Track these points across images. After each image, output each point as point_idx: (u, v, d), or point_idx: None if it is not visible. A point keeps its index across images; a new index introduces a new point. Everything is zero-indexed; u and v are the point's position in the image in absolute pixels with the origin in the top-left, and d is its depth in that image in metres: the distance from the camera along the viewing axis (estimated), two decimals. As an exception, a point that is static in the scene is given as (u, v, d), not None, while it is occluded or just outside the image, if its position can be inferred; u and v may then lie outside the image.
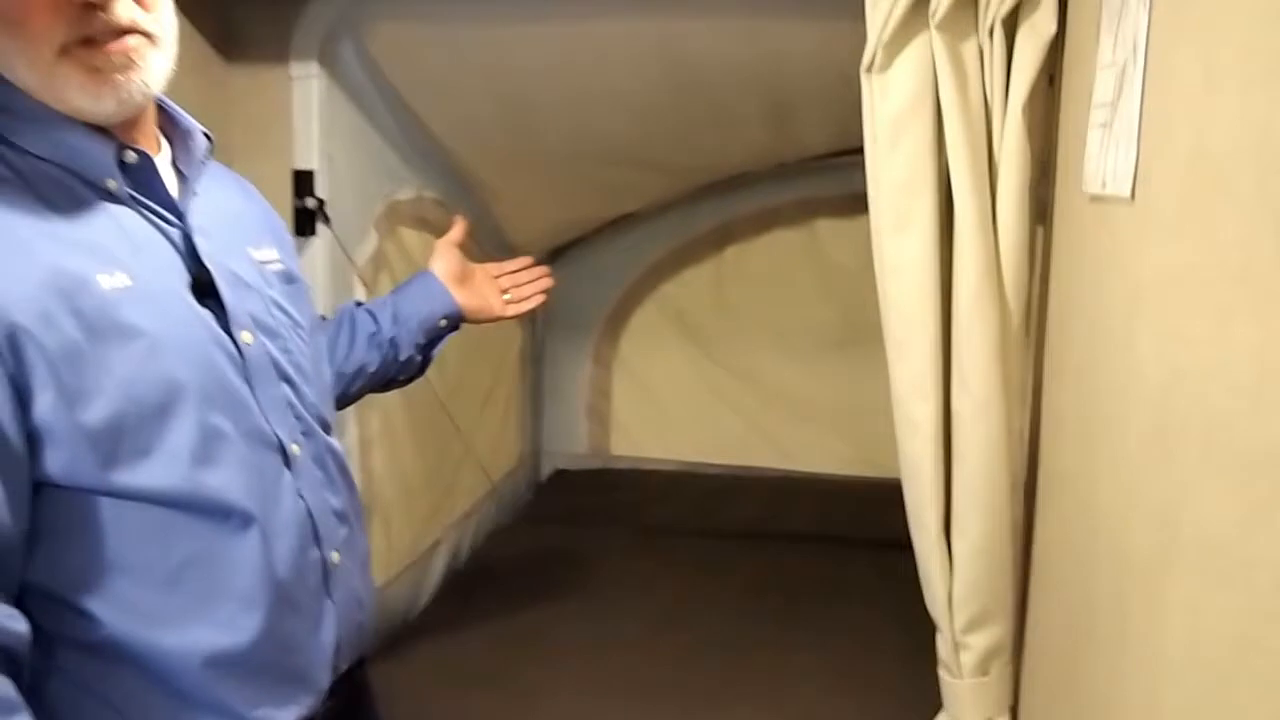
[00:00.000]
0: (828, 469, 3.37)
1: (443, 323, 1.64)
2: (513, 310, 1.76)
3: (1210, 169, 0.88)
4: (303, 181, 1.95)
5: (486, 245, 2.70)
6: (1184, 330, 0.93)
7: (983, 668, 1.58)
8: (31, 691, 0.97)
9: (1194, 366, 0.91)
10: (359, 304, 1.62)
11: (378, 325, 1.57)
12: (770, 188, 3.27)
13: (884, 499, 2.87)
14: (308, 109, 1.93)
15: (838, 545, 2.89)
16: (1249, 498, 0.81)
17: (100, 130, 1.06)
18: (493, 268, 1.76)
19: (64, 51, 1.00)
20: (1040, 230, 1.56)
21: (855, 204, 3.07)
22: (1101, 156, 1.18)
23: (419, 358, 1.63)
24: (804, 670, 2.28)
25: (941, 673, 1.63)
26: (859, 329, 3.13)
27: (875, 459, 3.14)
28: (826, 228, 3.31)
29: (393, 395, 2.22)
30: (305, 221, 1.95)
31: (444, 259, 1.68)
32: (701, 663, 2.31)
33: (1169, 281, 0.97)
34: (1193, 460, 0.91)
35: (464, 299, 1.66)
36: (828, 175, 3.14)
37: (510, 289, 1.76)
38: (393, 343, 1.58)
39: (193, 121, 1.20)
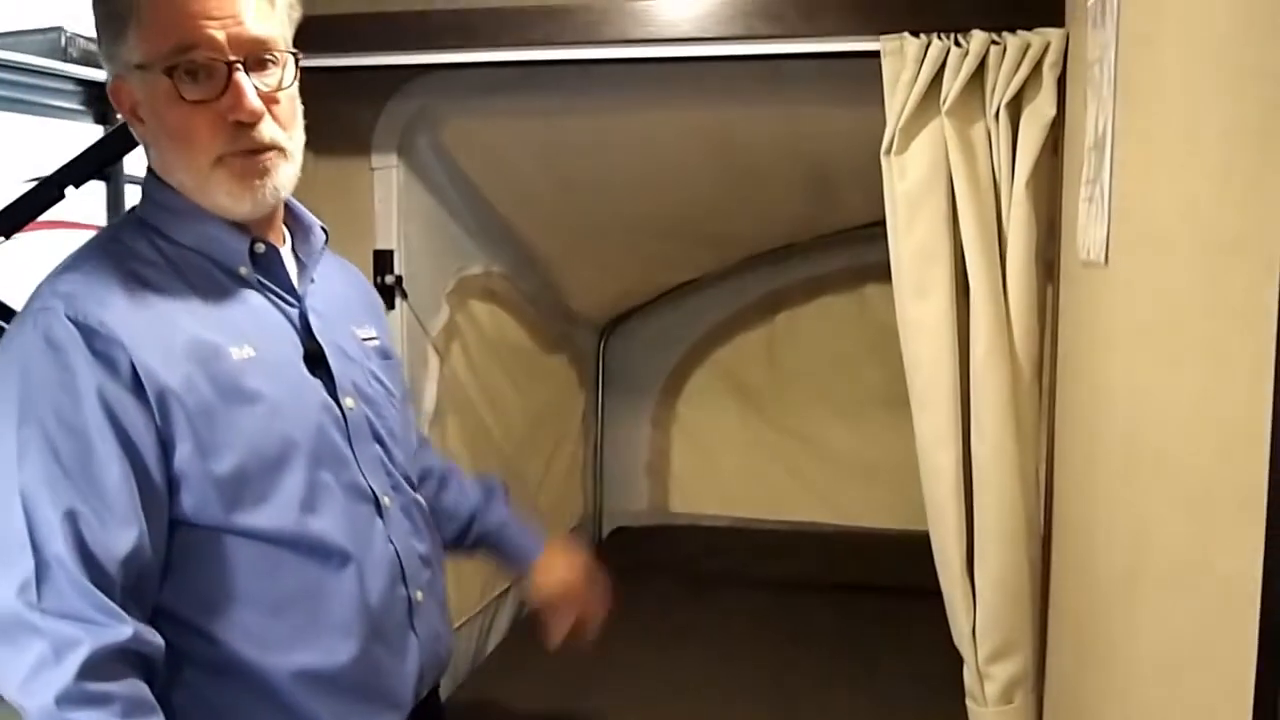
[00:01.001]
0: (877, 523, 3.48)
1: (506, 564, 1.77)
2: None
3: (1158, 239, 1.03)
4: (382, 260, 2.15)
5: (549, 314, 2.89)
6: (1142, 378, 1.08)
7: (1006, 696, 1.70)
8: (159, 700, 1.15)
9: (1150, 408, 1.05)
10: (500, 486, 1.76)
11: (480, 518, 1.69)
12: (820, 257, 3.42)
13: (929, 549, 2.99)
14: (388, 195, 2.13)
15: (886, 594, 2.99)
16: (1194, 518, 0.95)
17: (237, 225, 1.27)
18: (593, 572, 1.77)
19: (218, 161, 1.21)
20: (1050, 289, 1.71)
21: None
22: (1087, 227, 1.34)
23: (459, 546, 1.70)
24: (853, 708, 2.39)
25: (969, 703, 1.75)
26: (905, 388, 3.26)
27: (922, 513, 3.25)
28: (874, 292, 3.45)
29: (461, 454, 2.41)
30: (385, 296, 2.14)
31: (555, 584, 1.71)
32: (752, 702, 2.43)
33: (1131, 333, 1.12)
34: (1153, 489, 1.05)
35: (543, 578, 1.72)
36: (874, 244, 3.29)
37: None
38: (469, 530, 1.69)
39: (313, 218, 1.41)
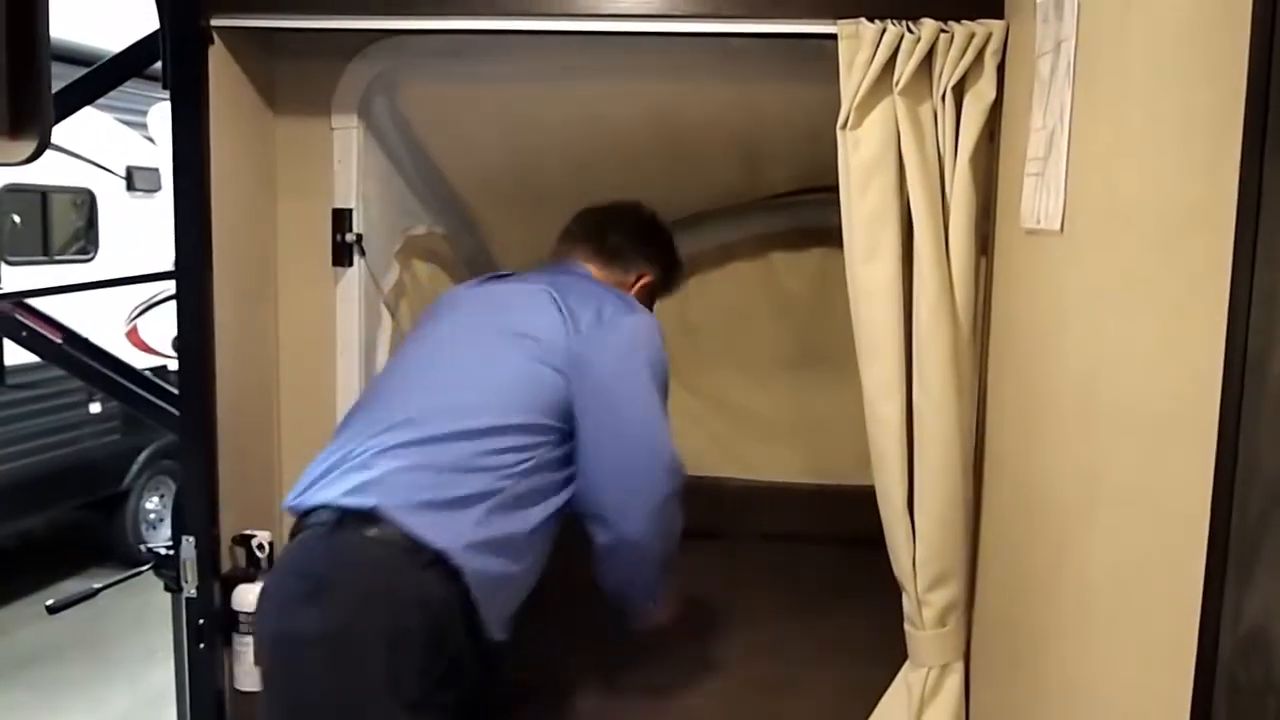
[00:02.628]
0: (786, 478, 3.66)
1: None
2: None
3: (1119, 210, 1.20)
4: (340, 218, 2.20)
5: (481, 274, 2.97)
6: (1100, 330, 1.25)
7: (941, 620, 1.89)
8: None
9: (1108, 357, 1.23)
10: None
11: None
12: (728, 225, 3.57)
13: (833, 502, 3.20)
14: (347, 155, 2.19)
15: (793, 541, 3.19)
16: (1150, 451, 1.12)
17: None
18: None
19: None
20: (983, 260, 1.88)
21: (805, 238, 3.41)
22: (1035, 199, 1.51)
23: None
24: (787, 645, 2.56)
25: (908, 628, 1.93)
26: (809, 351, 3.45)
27: (824, 468, 3.45)
28: (780, 259, 3.62)
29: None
30: (344, 253, 2.21)
31: None
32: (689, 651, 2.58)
33: (1089, 294, 1.29)
34: (1109, 429, 1.22)
35: None
36: (778, 212, 3.46)
37: None
38: None
39: None
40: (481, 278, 2.26)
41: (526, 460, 1.82)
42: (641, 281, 2.23)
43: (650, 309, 2.21)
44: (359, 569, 1.71)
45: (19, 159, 1.07)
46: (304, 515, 1.79)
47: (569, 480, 1.90)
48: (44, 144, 1.06)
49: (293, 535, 1.83)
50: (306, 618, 1.68)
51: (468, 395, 1.88)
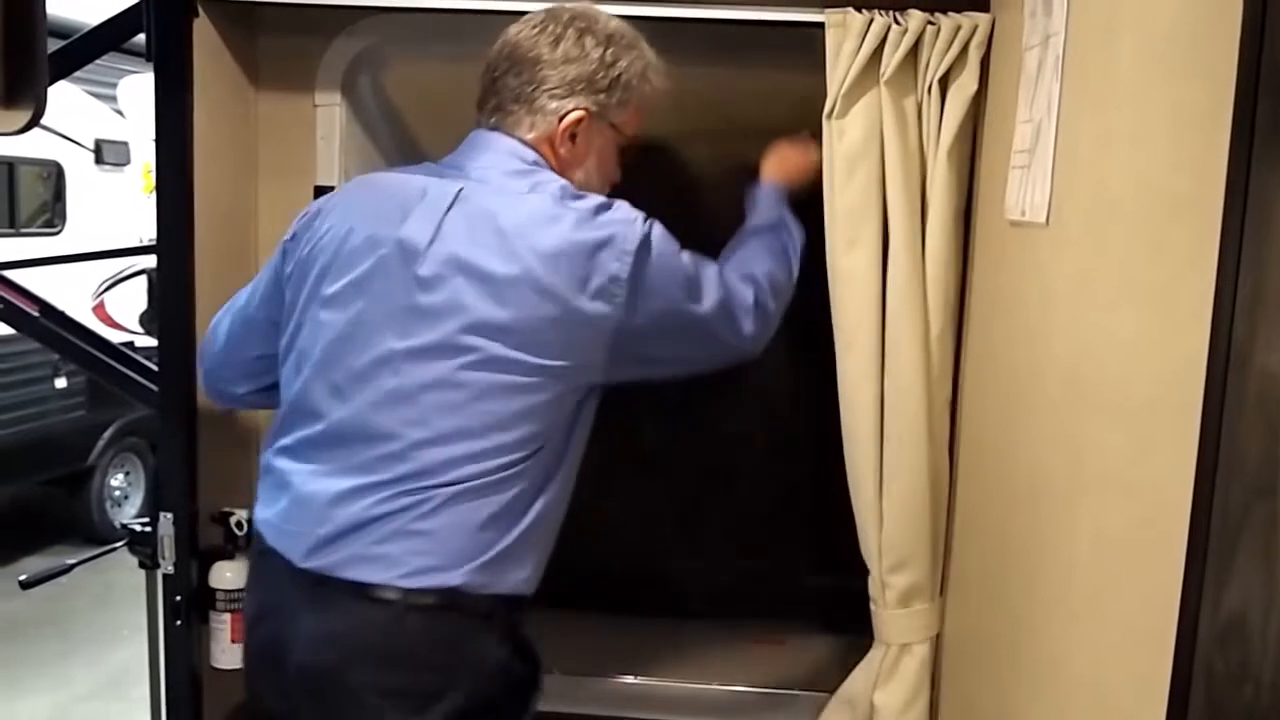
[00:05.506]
0: None
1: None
2: None
3: (1106, 202, 1.22)
4: (322, 196, 2.20)
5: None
6: (1085, 320, 1.27)
7: (904, 601, 1.92)
8: None
9: (1093, 347, 1.25)
10: None
11: None
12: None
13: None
14: (330, 133, 2.18)
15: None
16: (1133, 441, 1.15)
17: None
18: None
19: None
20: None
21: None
22: (1020, 191, 1.53)
23: None
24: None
25: (872, 606, 1.96)
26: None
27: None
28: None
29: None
30: (324, 231, 2.20)
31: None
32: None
33: (1074, 285, 1.31)
34: (1093, 417, 1.24)
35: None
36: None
37: None
38: None
39: None
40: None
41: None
42: (568, 120, 1.69)
43: (616, 144, 1.79)
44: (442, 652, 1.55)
45: (14, 128, 1.06)
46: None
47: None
48: (39, 113, 1.05)
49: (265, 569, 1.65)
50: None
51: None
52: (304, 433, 1.62)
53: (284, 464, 1.64)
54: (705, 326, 1.68)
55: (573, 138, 1.70)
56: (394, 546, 1.51)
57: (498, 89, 1.73)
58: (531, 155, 1.69)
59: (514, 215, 1.56)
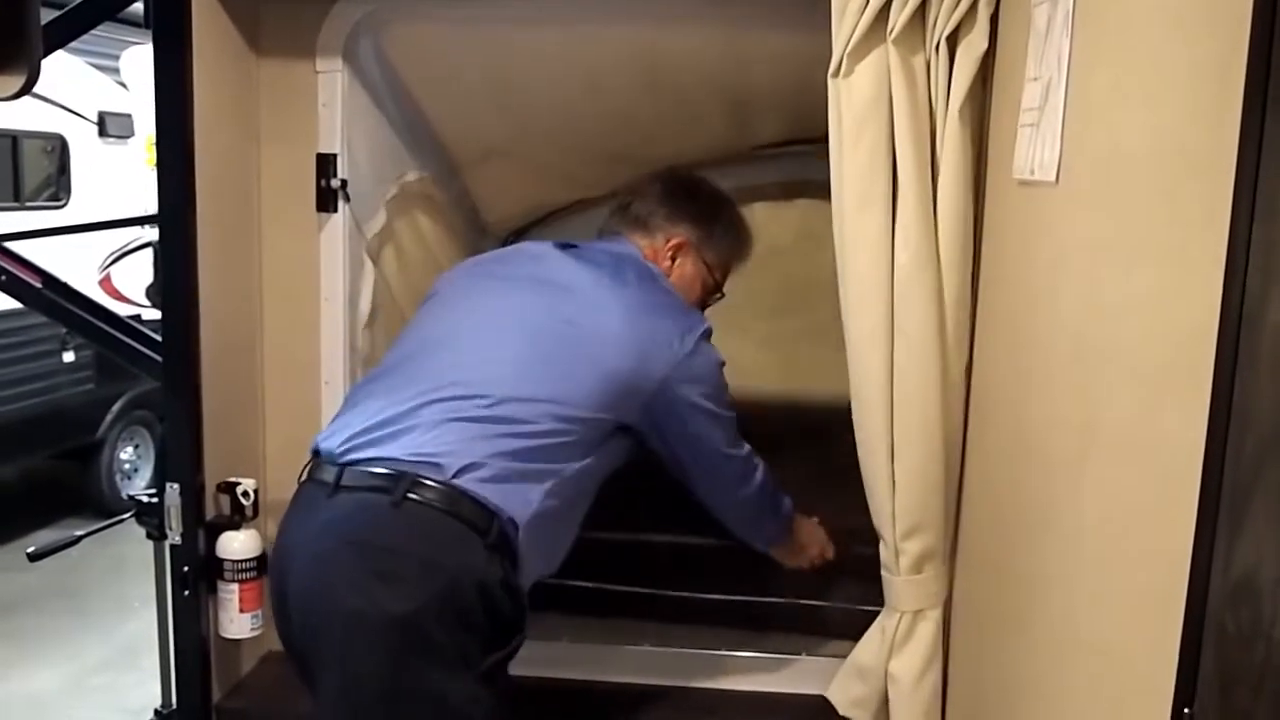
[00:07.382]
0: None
1: None
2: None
3: (1119, 160, 1.20)
4: (325, 164, 2.18)
5: (465, 224, 2.95)
6: (1097, 279, 1.25)
7: (917, 567, 1.91)
8: None
9: (1103, 306, 1.23)
10: None
11: None
12: (711, 177, 3.56)
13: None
14: (332, 99, 2.16)
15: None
16: (1145, 400, 1.13)
17: None
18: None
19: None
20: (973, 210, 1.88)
21: (787, 191, 3.40)
22: (1029, 150, 1.51)
23: None
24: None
25: (884, 573, 1.96)
26: (790, 303, 3.45)
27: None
28: (763, 211, 3.62)
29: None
30: (329, 199, 2.19)
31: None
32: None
33: (1086, 244, 1.29)
34: (1103, 377, 1.23)
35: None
36: (762, 165, 3.44)
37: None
38: None
39: None
40: (534, 243, 2.28)
41: (580, 440, 1.83)
42: (671, 244, 2.16)
43: (705, 279, 2.23)
44: (431, 547, 1.68)
45: (6, 94, 1.05)
46: (343, 465, 1.75)
47: (613, 451, 1.93)
48: (32, 79, 1.04)
49: (311, 478, 1.80)
50: (381, 598, 1.63)
51: (531, 377, 1.84)
52: None
53: None
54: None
55: None
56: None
57: None
58: None
59: None
